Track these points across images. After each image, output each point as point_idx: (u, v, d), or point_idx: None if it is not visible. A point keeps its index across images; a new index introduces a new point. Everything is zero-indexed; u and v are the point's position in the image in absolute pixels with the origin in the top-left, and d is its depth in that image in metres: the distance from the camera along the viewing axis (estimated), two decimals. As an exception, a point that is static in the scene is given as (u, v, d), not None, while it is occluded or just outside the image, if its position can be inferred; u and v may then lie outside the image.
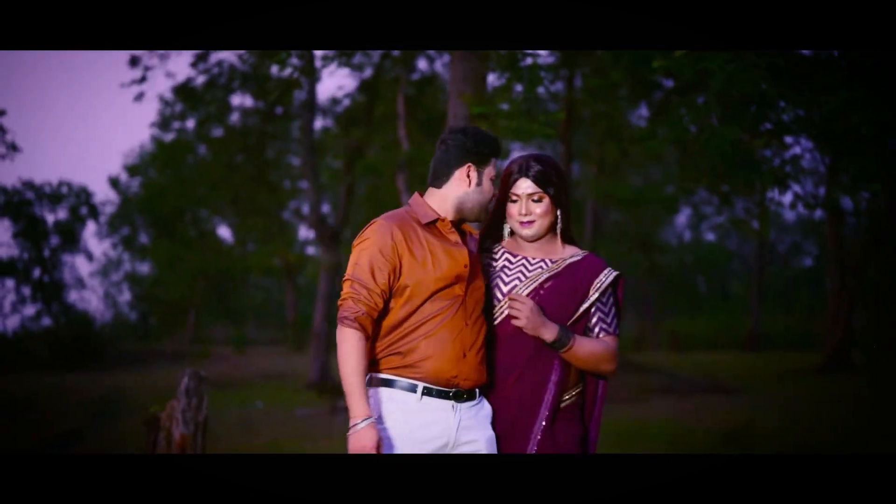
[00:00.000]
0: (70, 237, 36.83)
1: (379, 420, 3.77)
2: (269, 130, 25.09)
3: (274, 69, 19.26)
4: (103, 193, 79.63)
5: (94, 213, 38.15)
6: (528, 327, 3.81)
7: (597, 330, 3.96)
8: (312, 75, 19.07)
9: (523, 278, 3.98)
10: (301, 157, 23.31)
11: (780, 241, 51.39)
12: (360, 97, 22.53)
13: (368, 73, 21.14)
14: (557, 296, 3.93)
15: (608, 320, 3.97)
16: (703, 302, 47.01)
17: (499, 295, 3.96)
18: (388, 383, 3.80)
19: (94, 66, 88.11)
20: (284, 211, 34.87)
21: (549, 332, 3.82)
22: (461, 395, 3.81)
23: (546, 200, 3.95)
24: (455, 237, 3.89)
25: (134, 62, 18.80)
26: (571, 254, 4.03)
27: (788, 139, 10.64)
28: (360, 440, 3.66)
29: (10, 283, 35.32)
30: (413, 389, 3.77)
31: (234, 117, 24.07)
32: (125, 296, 49.91)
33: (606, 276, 3.96)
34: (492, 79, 11.30)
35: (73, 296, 37.66)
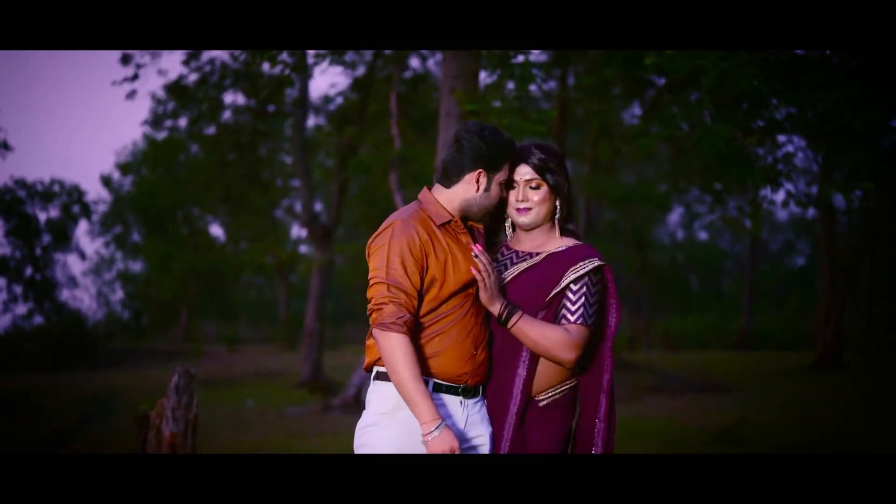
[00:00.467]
0: (62, 236, 36.73)
1: (388, 416, 3.75)
2: (262, 128, 25.05)
3: (265, 66, 19.19)
4: (95, 192, 79.44)
5: (86, 211, 38.06)
6: (484, 297, 3.79)
7: (558, 315, 3.86)
8: (305, 71, 19.02)
9: (504, 271, 3.97)
10: (293, 155, 23.25)
11: (772, 241, 51.55)
12: (352, 95, 22.50)
13: (361, 71, 21.13)
14: (531, 285, 3.90)
15: (572, 308, 3.84)
16: (695, 301, 47.07)
17: None
18: None
19: (87, 64, 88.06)
20: (277, 209, 34.84)
21: (496, 305, 3.80)
22: (469, 391, 3.84)
23: (544, 188, 3.93)
24: (466, 237, 3.89)
25: (126, 60, 18.75)
26: (559, 245, 3.98)
27: (781, 138, 10.65)
28: (444, 443, 3.60)
29: (1, 281, 35.18)
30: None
31: (227, 115, 24.01)
32: (118, 294, 49.86)
33: (584, 266, 3.87)
34: (484, 76, 11.29)
35: (65, 294, 37.61)
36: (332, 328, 34.13)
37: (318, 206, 33.03)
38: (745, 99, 8.37)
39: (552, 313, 3.86)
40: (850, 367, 20.20)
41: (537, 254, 3.97)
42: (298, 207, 29.83)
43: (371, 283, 3.75)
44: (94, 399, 17.71)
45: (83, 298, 46.49)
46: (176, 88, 21.05)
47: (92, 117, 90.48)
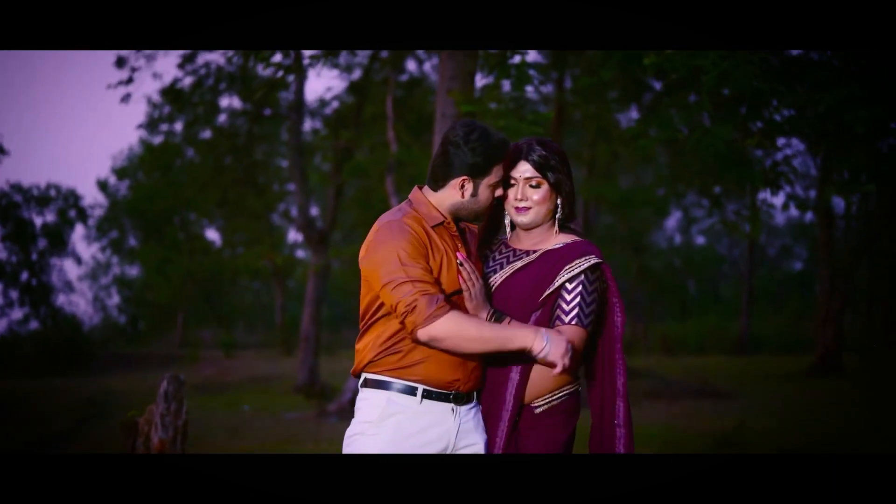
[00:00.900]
0: (58, 240, 36.74)
1: (374, 424, 3.64)
2: (257, 132, 24.98)
3: (260, 68, 19.12)
4: (92, 196, 79.52)
5: (82, 216, 38.06)
6: (470, 307, 3.64)
7: (553, 317, 3.69)
8: (300, 71, 18.93)
9: (499, 270, 3.82)
10: (289, 159, 23.18)
11: (770, 245, 51.52)
12: (348, 99, 22.43)
13: (357, 74, 21.06)
14: (526, 285, 3.74)
15: (566, 308, 3.66)
16: (693, 305, 47.00)
17: None
18: (385, 385, 3.67)
19: (83, 68, 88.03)
20: (273, 214, 34.79)
21: (483, 314, 3.64)
22: (461, 398, 3.70)
23: (545, 187, 3.76)
24: (458, 240, 3.77)
25: (120, 63, 18.64)
26: (556, 242, 3.81)
27: (780, 141, 10.57)
28: (560, 346, 3.52)
29: (-3, 286, 35.19)
30: (412, 392, 3.64)
31: (223, 119, 23.95)
32: (114, 299, 49.77)
33: (579, 264, 3.70)
34: (480, 77, 11.23)
35: (60, 299, 37.51)
36: (328, 332, 34.05)
37: (315, 211, 33.04)
38: (745, 100, 8.28)
39: (547, 314, 3.70)
40: (850, 370, 20.17)
41: (534, 252, 3.82)
42: (295, 212, 29.74)
43: (391, 287, 3.56)
44: (90, 404, 17.65)
45: (79, 303, 46.62)
46: (171, 92, 20.95)
47: (88, 122, 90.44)
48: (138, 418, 6.45)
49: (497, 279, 3.80)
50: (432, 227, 3.71)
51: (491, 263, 3.87)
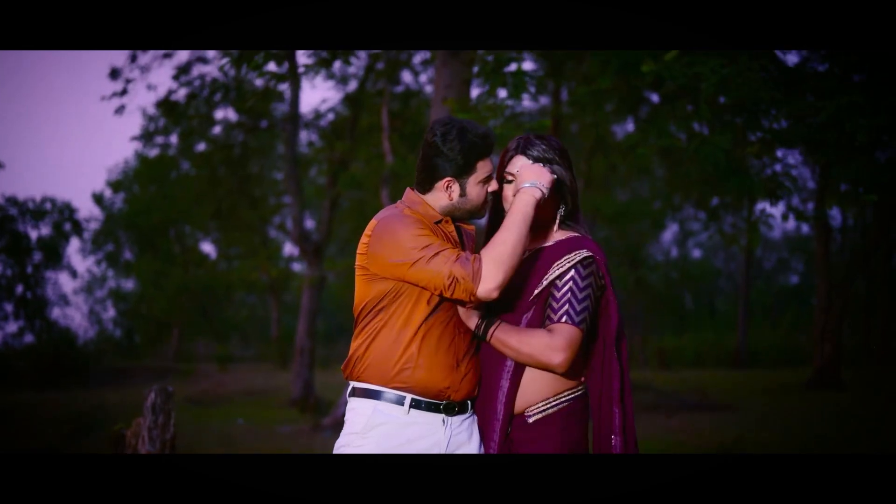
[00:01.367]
0: (53, 253, 36.61)
1: (360, 436, 3.52)
2: (253, 144, 24.93)
3: (252, 76, 19.03)
4: (87, 209, 79.50)
5: (77, 229, 37.94)
6: (462, 313, 3.51)
7: (545, 315, 3.49)
8: (295, 78, 18.83)
9: None
10: (284, 171, 23.11)
11: (766, 259, 51.53)
12: (343, 110, 22.36)
13: (353, 86, 21.01)
14: (519, 285, 3.54)
15: (556, 305, 3.44)
16: (689, 319, 46.97)
17: None
18: (373, 395, 3.53)
19: (78, 81, 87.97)
20: (268, 226, 34.75)
21: (473, 320, 3.50)
22: (452, 407, 3.55)
23: None
24: (455, 240, 3.62)
25: (114, 74, 18.52)
26: (553, 239, 3.63)
27: (779, 153, 10.51)
28: (530, 194, 3.48)
29: (-8, 299, 35.07)
30: (400, 402, 3.50)
31: (217, 130, 23.88)
32: (109, 312, 49.63)
33: (569, 259, 3.50)
34: (476, 86, 11.15)
35: (55, 313, 37.40)
36: (323, 346, 33.95)
37: (310, 224, 32.97)
38: (744, 108, 8.19)
39: (539, 314, 3.51)
40: (848, 383, 20.11)
41: (530, 250, 3.65)
42: (290, 224, 29.72)
43: (422, 263, 3.37)
44: (84, 417, 17.51)
45: (74, 316, 46.44)
46: (166, 105, 20.86)
47: (83, 135, 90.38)
48: (125, 431, 6.33)
49: None
50: (432, 224, 3.57)
51: None
